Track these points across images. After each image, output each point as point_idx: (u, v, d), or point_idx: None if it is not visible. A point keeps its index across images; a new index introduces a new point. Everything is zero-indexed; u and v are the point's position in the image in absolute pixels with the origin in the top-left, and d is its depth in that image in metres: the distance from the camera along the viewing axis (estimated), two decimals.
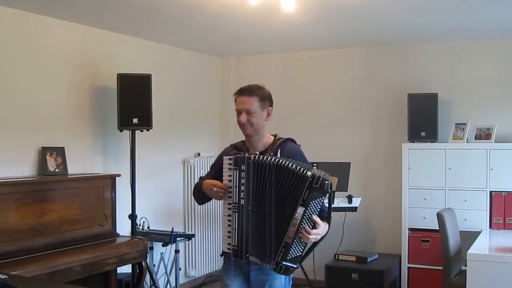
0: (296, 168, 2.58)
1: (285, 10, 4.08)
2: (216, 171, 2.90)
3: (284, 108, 6.23)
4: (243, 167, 2.67)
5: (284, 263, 2.64)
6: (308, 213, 2.58)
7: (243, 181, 2.67)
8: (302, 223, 2.58)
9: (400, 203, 5.38)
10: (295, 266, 2.68)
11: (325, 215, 2.69)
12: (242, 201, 2.68)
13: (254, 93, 2.83)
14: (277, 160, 2.64)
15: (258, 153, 2.76)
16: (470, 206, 5.12)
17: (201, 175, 3.08)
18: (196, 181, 3.36)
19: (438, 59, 5.60)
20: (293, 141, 2.93)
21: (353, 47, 5.93)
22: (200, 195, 2.92)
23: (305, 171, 2.56)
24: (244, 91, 2.84)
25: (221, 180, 2.78)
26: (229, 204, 2.74)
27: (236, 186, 2.69)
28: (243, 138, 2.96)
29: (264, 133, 2.89)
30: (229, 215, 2.73)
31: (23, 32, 4.31)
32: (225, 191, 2.73)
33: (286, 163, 2.61)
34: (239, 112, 2.83)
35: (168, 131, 5.63)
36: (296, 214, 2.57)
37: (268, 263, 2.68)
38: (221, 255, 2.88)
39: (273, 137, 2.92)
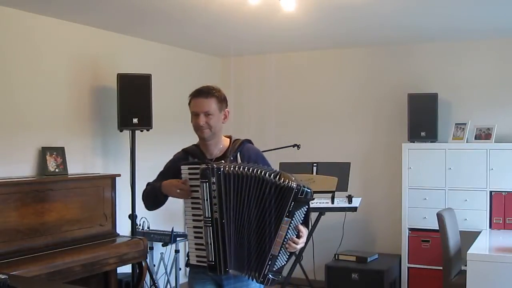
0: (277, 178, 2.48)
1: (285, 10, 4.08)
2: (170, 178, 2.73)
3: (284, 108, 6.25)
4: (213, 179, 2.51)
5: (270, 275, 2.54)
6: (294, 224, 2.51)
7: (214, 193, 2.52)
8: (288, 234, 2.51)
9: (400, 203, 5.38)
10: (279, 276, 2.60)
11: (304, 220, 2.60)
12: (216, 215, 2.53)
13: (212, 94, 2.71)
14: (251, 170, 2.51)
15: (223, 161, 2.65)
16: (470, 206, 5.12)
17: (150, 182, 2.90)
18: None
19: (438, 59, 5.60)
20: (250, 142, 2.85)
21: (353, 47, 5.93)
22: (159, 197, 2.76)
23: (289, 183, 2.46)
24: (202, 93, 2.71)
25: None
26: (195, 215, 2.61)
27: (206, 200, 2.53)
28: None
29: (220, 136, 2.79)
30: (196, 227, 2.61)
31: (23, 32, 4.31)
32: (189, 192, 2.61)
33: (263, 173, 2.49)
34: (196, 114, 2.69)
35: (168, 131, 5.62)
36: (282, 225, 2.49)
37: (253, 276, 2.57)
38: (187, 266, 2.76)
39: (229, 139, 2.82)
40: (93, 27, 4.87)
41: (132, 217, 4.87)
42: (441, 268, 4.60)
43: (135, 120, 4.77)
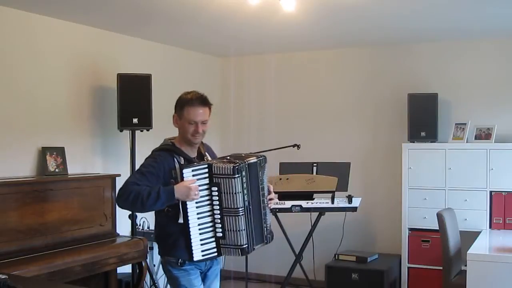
0: (251, 159, 2.89)
1: (285, 10, 4.09)
2: (162, 180, 2.83)
3: (284, 108, 6.25)
4: (243, 173, 2.81)
5: (269, 233, 3.02)
6: (265, 186, 2.98)
7: (244, 185, 2.82)
8: (266, 195, 2.98)
9: (400, 203, 5.38)
10: (272, 231, 3.06)
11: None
12: (246, 203, 2.84)
13: (208, 103, 2.96)
14: (245, 159, 2.88)
15: (228, 157, 2.91)
16: (470, 206, 5.12)
17: (136, 182, 2.80)
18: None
19: (438, 59, 5.60)
20: None
21: (353, 47, 5.93)
22: (165, 203, 2.77)
23: (251, 159, 2.88)
24: (200, 101, 2.92)
25: None
26: (199, 214, 2.81)
27: (239, 192, 2.79)
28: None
29: None
30: (201, 224, 2.82)
31: (23, 32, 4.31)
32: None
33: (248, 158, 2.89)
34: (193, 123, 2.90)
35: (168, 131, 5.59)
36: (261, 192, 2.94)
37: (263, 242, 2.98)
38: (181, 265, 2.91)
39: None
40: (93, 27, 4.87)
41: (132, 217, 4.87)
42: (441, 268, 4.60)
43: (135, 120, 4.77)
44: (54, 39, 4.55)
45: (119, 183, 4.67)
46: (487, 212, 5.08)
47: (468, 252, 4.04)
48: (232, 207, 2.80)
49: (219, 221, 2.83)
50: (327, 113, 6.08)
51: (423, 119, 5.33)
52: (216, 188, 2.81)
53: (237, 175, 2.77)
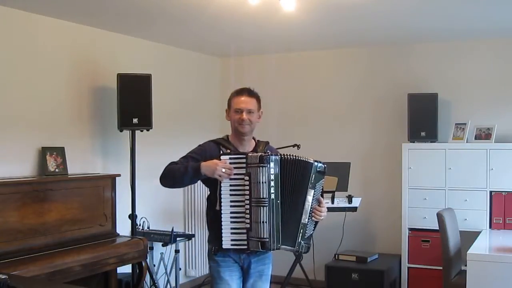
0: (303, 158, 2.90)
1: (285, 10, 4.09)
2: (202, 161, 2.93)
3: (283, 108, 6.25)
4: (271, 164, 2.83)
5: (303, 242, 2.93)
6: (316, 195, 2.93)
7: (272, 177, 2.82)
8: (313, 203, 2.93)
9: (400, 203, 5.38)
10: (309, 244, 2.98)
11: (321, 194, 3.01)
12: (272, 196, 2.83)
13: (254, 94, 3.06)
14: (293, 156, 2.90)
15: (269, 152, 2.94)
16: (470, 206, 5.12)
17: (176, 162, 3.01)
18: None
19: (438, 59, 5.60)
20: (268, 143, 3.19)
21: (353, 47, 5.93)
22: (191, 176, 2.89)
23: (309, 160, 2.90)
24: (246, 91, 3.04)
25: None
26: (233, 201, 2.85)
27: (264, 182, 2.81)
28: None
29: (252, 134, 3.11)
30: (233, 212, 2.85)
31: (23, 32, 4.31)
32: (231, 174, 2.84)
33: (299, 157, 2.90)
34: (240, 111, 2.99)
35: (168, 131, 5.63)
36: (308, 196, 2.90)
37: (294, 246, 2.91)
38: (215, 253, 2.98)
39: (254, 140, 3.13)
40: (93, 27, 4.87)
41: (132, 217, 4.87)
42: (441, 268, 4.60)
43: (135, 120, 4.77)
44: (54, 39, 4.55)
45: (119, 183, 4.72)
46: (487, 212, 5.08)
47: (468, 252, 4.04)
48: (258, 196, 2.82)
49: (248, 211, 2.84)
50: (327, 113, 6.08)
51: (423, 119, 5.33)
52: (248, 178, 2.84)
53: (262, 164, 2.80)
